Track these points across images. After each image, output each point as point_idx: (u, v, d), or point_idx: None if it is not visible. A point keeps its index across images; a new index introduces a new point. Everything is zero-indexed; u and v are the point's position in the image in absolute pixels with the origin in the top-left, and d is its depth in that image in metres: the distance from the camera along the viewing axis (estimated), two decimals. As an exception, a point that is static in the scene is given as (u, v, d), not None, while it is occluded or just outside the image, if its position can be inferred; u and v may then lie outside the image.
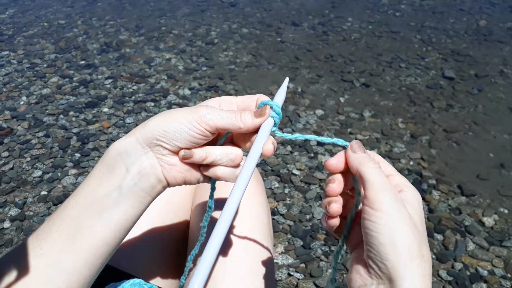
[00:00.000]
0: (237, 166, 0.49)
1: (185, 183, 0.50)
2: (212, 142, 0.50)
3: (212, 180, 0.52)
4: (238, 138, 0.51)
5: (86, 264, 0.45)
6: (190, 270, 0.65)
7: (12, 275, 0.43)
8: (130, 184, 0.46)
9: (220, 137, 0.51)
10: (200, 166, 0.49)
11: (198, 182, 0.51)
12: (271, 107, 0.49)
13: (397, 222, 0.39)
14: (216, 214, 0.55)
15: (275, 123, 0.49)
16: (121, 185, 0.46)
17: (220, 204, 0.63)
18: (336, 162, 0.45)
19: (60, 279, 0.43)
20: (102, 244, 0.46)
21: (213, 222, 0.44)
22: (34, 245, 0.44)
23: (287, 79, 0.54)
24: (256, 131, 0.49)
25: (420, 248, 0.39)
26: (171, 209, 0.77)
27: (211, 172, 0.49)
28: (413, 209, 0.42)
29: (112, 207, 0.46)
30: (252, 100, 0.51)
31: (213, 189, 0.54)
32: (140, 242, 0.71)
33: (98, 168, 0.47)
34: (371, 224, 0.40)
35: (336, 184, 0.45)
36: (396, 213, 0.39)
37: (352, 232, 0.47)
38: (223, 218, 0.43)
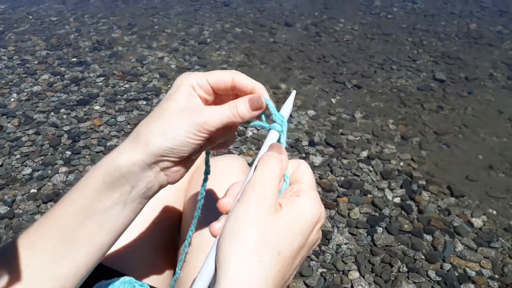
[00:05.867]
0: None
1: (183, 176, 0.51)
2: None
3: (205, 170, 0.53)
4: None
5: (82, 266, 0.46)
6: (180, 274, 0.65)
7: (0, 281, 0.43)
8: (135, 197, 0.47)
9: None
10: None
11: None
12: (274, 121, 0.48)
13: (243, 219, 0.38)
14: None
15: (279, 137, 0.48)
16: (125, 200, 0.47)
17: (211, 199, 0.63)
18: (227, 200, 0.43)
19: (54, 284, 0.44)
20: (99, 248, 0.47)
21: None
22: (24, 253, 0.44)
23: (294, 92, 0.53)
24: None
25: (257, 249, 0.36)
26: (162, 207, 0.77)
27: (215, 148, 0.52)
28: (289, 214, 0.39)
29: (114, 218, 0.46)
30: (227, 77, 0.49)
31: (208, 154, 0.55)
32: (131, 240, 0.71)
33: (95, 183, 0.46)
34: (230, 214, 0.39)
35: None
36: (250, 210, 0.38)
37: None
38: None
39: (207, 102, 0.49)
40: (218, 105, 0.49)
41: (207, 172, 0.57)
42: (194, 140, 0.46)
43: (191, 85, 0.47)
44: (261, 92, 0.49)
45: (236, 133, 0.54)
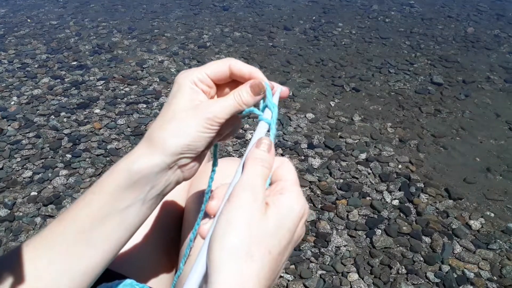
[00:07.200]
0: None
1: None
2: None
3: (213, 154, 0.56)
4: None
5: (99, 264, 0.48)
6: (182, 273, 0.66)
7: (12, 280, 0.43)
8: (153, 194, 0.49)
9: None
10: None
11: None
12: (267, 105, 0.50)
13: (235, 220, 0.38)
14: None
15: (269, 128, 0.48)
16: (144, 198, 0.48)
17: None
18: (215, 203, 0.43)
19: (72, 282, 0.46)
20: (116, 246, 0.49)
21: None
22: (42, 253, 0.45)
23: (280, 87, 0.53)
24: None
25: (249, 249, 0.37)
26: (163, 209, 0.78)
27: (224, 138, 0.55)
28: (276, 211, 0.39)
29: (132, 216, 0.48)
30: (223, 65, 0.50)
31: (216, 147, 0.57)
32: (133, 242, 0.72)
33: (111, 185, 0.47)
34: (220, 215, 0.40)
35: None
36: (242, 211, 0.38)
37: None
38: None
39: (209, 95, 0.51)
40: (218, 95, 0.52)
41: (215, 165, 0.59)
42: (207, 134, 0.48)
43: (193, 82, 0.49)
44: (259, 76, 0.51)
45: (241, 120, 0.56)
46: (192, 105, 0.48)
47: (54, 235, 0.46)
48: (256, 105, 0.51)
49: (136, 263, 0.71)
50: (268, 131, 0.48)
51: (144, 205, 0.49)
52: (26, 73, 2.35)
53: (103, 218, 0.47)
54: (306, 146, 1.83)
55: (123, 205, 0.47)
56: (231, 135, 0.56)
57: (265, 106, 0.50)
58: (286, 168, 0.44)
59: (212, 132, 0.48)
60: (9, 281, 0.43)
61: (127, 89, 2.22)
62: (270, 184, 0.44)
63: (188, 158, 0.49)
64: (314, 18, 3.12)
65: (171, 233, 0.78)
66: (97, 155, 1.77)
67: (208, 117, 0.47)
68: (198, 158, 0.51)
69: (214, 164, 0.59)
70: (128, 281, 0.63)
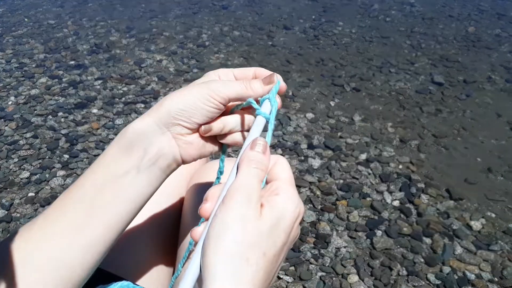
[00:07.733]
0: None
1: (200, 157, 0.53)
2: (222, 114, 0.53)
3: (223, 148, 0.55)
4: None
5: (101, 239, 0.47)
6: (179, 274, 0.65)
7: (17, 256, 0.44)
8: (147, 164, 0.48)
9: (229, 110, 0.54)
10: (217, 136, 0.53)
11: (211, 154, 0.54)
12: (269, 99, 0.49)
13: (229, 222, 0.37)
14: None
15: (267, 121, 0.47)
16: (139, 166, 0.48)
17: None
18: (209, 206, 0.42)
19: (74, 256, 0.45)
20: (117, 220, 0.48)
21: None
22: (45, 224, 0.46)
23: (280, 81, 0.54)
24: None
25: (244, 251, 0.36)
26: (161, 209, 0.77)
27: (229, 139, 0.53)
28: (271, 213, 0.39)
29: (129, 186, 0.48)
30: (249, 71, 0.54)
31: (224, 151, 0.56)
32: (129, 243, 0.71)
33: (113, 149, 0.49)
34: (214, 217, 0.39)
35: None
36: (236, 213, 0.38)
37: None
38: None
39: None
40: None
41: (220, 172, 0.57)
42: (204, 105, 0.48)
43: (217, 74, 0.53)
44: (277, 75, 0.53)
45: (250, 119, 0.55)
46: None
47: (64, 202, 0.47)
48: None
49: (133, 264, 0.70)
50: (265, 130, 0.47)
51: (140, 175, 0.48)
52: (23, 73, 2.34)
53: (103, 184, 0.47)
54: (306, 147, 1.82)
55: (120, 171, 0.47)
56: (238, 140, 0.54)
57: (263, 101, 0.49)
58: (281, 166, 0.43)
59: (210, 105, 0.48)
60: (11, 264, 0.44)
61: (125, 88, 2.21)
62: (266, 183, 0.43)
63: (182, 126, 0.49)
64: (314, 17, 3.10)
65: (168, 233, 0.77)
66: (95, 156, 1.75)
67: (210, 87, 0.48)
68: (197, 139, 0.51)
69: (220, 171, 0.56)
70: (124, 283, 0.62)
